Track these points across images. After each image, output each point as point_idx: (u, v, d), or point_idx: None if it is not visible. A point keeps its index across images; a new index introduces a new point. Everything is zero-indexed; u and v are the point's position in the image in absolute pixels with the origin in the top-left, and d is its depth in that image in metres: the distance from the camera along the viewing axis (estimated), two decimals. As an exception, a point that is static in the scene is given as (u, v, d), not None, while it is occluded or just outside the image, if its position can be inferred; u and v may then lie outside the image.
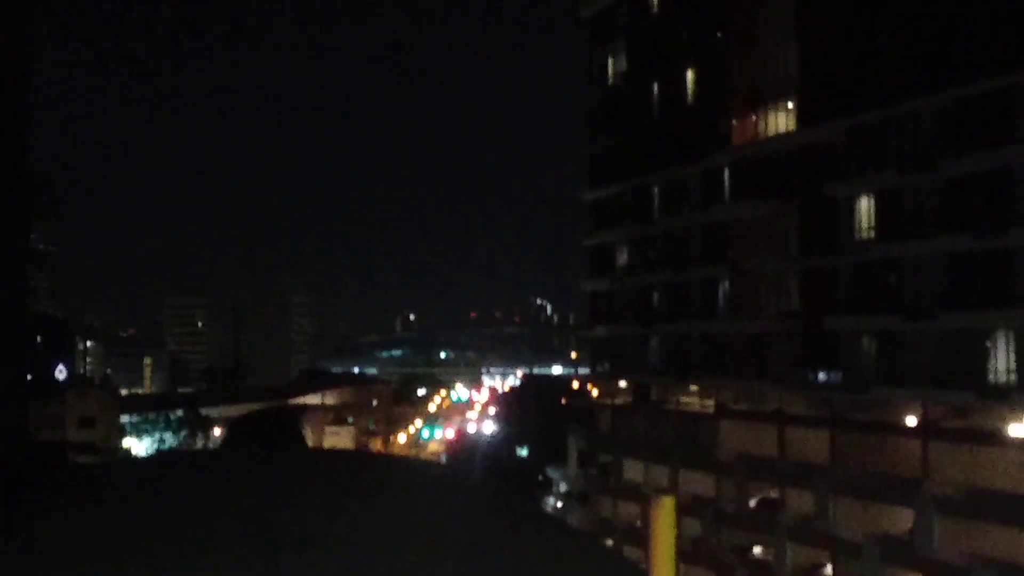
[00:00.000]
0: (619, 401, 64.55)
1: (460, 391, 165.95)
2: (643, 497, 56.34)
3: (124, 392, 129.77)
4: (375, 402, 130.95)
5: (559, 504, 69.13)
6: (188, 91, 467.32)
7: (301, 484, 7.22)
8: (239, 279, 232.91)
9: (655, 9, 59.48)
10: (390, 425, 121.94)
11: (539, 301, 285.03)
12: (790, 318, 49.30)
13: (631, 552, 51.65)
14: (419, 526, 6.57)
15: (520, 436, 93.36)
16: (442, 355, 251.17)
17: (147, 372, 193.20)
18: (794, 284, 49.57)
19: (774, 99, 50.44)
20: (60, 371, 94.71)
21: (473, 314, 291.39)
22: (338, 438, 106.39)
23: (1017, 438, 39.77)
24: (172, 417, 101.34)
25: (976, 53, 39.24)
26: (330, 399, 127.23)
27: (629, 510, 59.16)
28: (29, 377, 71.28)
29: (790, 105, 49.61)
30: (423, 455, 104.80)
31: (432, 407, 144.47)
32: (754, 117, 51.97)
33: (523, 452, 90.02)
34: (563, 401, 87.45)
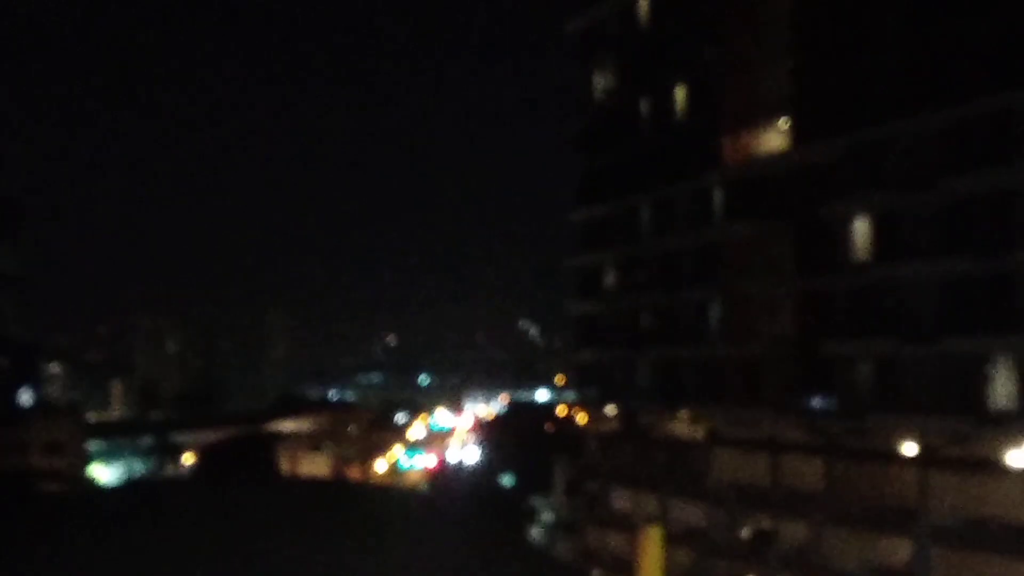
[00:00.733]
0: (606, 428, 63.24)
1: (441, 417, 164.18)
2: (631, 527, 55.11)
3: (92, 417, 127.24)
4: (353, 428, 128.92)
5: (545, 535, 67.85)
6: (159, 111, 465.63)
7: (276, 519, 6.42)
8: (212, 301, 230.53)
9: (644, 25, 58.56)
10: (368, 452, 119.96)
11: (523, 324, 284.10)
12: (784, 342, 48.23)
13: (619, 584, 50.38)
14: (400, 558, 5.74)
15: (504, 464, 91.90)
16: (423, 380, 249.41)
17: (116, 396, 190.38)
18: (788, 307, 48.50)
19: (767, 117, 49.53)
20: (26, 395, 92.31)
21: (455, 338, 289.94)
22: (314, 466, 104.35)
23: (1017, 466, 38.82)
24: (141, 443, 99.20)
25: (976, 72, 38.63)
26: (306, 425, 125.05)
27: (617, 540, 57.88)
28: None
29: (784, 124, 48.71)
30: (403, 484, 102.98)
31: (413, 434, 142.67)
32: (746, 136, 51.04)
33: (507, 481, 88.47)
34: (548, 428, 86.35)
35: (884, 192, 42.55)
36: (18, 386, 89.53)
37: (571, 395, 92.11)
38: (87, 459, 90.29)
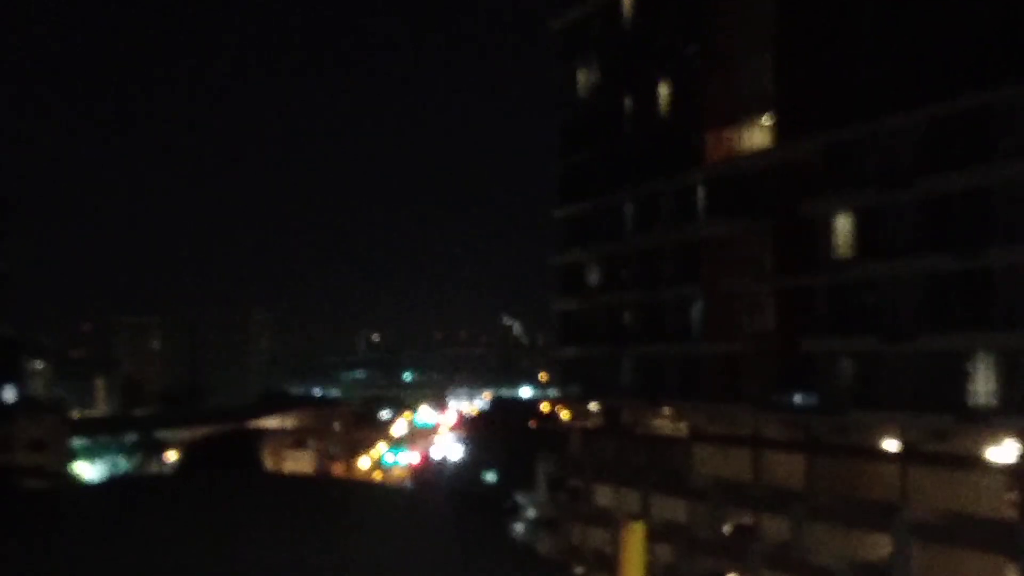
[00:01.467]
0: (589, 424, 63.32)
1: (425, 414, 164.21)
2: (614, 523, 55.19)
3: (76, 414, 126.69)
4: (337, 425, 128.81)
5: (528, 531, 67.84)
6: (142, 109, 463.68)
7: (259, 512, 6.48)
8: (196, 298, 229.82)
9: (628, 23, 58.64)
10: (352, 449, 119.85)
11: (507, 321, 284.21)
12: (765, 339, 48.42)
13: (602, 580, 50.46)
14: (383, 555, 5.77)
15: (487, 460, 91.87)
16: (406, 376, 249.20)
17: (99, 393, 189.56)
18: (769, 304, 48.69)
19: (749, 115, 49.70)
20: (9, 392, 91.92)
21: (438, 334, 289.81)
22: (298, 463, 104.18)
23: (996, 462, 39.08)
24: (125, 440, 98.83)
25: (955, 70, 38.76)
26: (290, 422, 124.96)
27: (599, 536, 57.94)
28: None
29: (766, 121, 48.87)
30: (387, 480, 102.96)
31: (396, 430, 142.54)
32: (729, 133, 51.19)
33: (490, 477, 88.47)
34: (532, 424, 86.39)
35: (864, 190, 42.73)
36: (1, 383, 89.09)
37: (554, 392, 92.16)
38: (71, 456, 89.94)
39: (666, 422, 57.36)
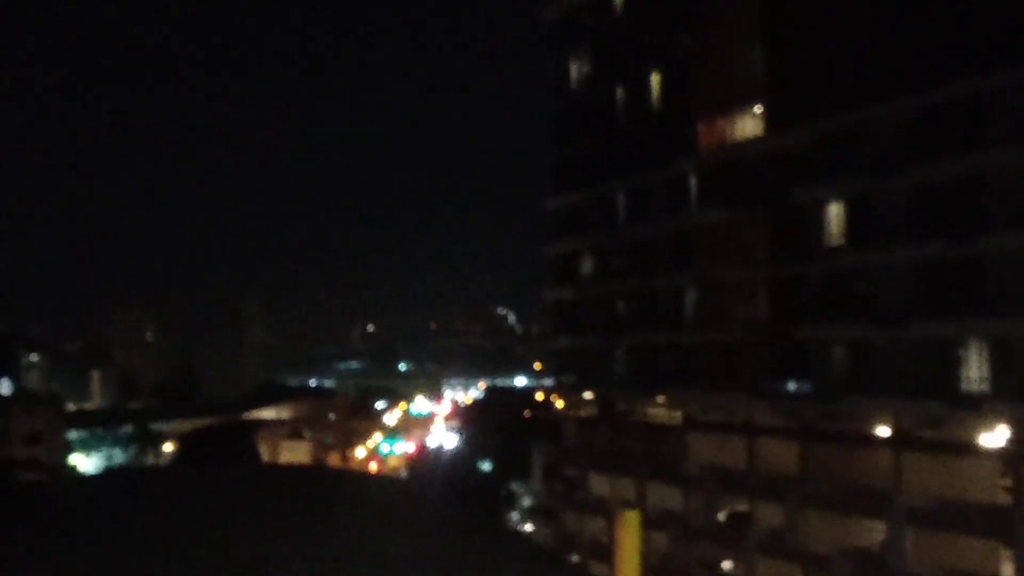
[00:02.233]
0: (584, 413, 63.43)
1: (420, 404, 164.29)
2: (609, 511, 55.35)
3: (71, 407, 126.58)
4: (332, 416, 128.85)
5: (523, 519, 68.04)
6: (133, 101, 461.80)
7: (257, 503, 6.51)
8: (190, 290, 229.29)
9: (619, 13, 58.52)
10: (348, 439, 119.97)
11: (501, 311, 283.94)
12: (759, 328, 48.49)
13: (597, 568, 50.64)
14: (379, 545, 5.79)
15: (483, 450, 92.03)
16: (402, 367, 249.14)
17: (95, 386, 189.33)
18: (763, 293, 48.75)
19: (741, 104, 49.66)
20: (4, 385, 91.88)
21: (433, 325, 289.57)
22: (294, 453, 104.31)
23: (989, 448, 39.26)
24: (121, 433, 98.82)
25: (946, 57, 38.77)
26: (286, 413, 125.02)
27: (595, 525, 58.10)
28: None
29: (757, 110, 48.86)
30: (383, 470, 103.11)
31: (392, 420, 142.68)
32: (721, 122, 51.15)
33: (486, 466, 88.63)
34: (527, 413, 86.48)
35: (857, 178, 42.74)
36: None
37: (549, 381, 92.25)
38: (67, 449, 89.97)
39: (660, 411, 57.48)
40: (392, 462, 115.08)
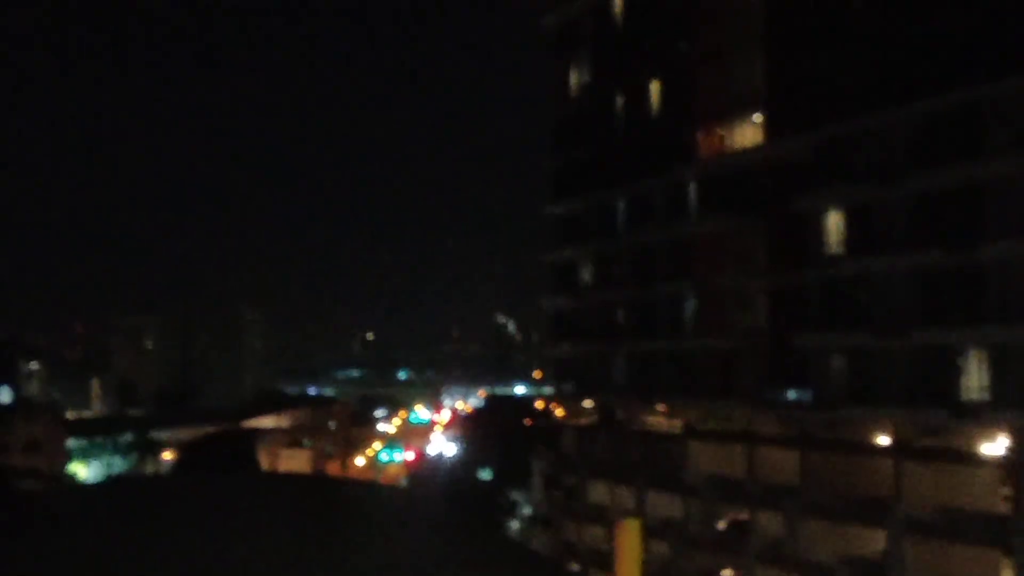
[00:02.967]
0: (584, 421, 63.33)
1: (420, 412, 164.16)
2: (609, 520, 55.29)
3: (71, 415, 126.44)
4: (332, 424, 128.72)
5: (523, 528, 67.90)
6: (133, 105, 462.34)
7: (257, 513, 6.49)
8: (189, 298, 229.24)
9: (619, 21, 58.58)
10: (348, 448, 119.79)
11: (501, 319, 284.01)
12: (758, 336, 48.46)
13: (597, 577, 50.52)
14: (379, 554, 5.77)
15: (482, 458, 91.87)
16: (401, 375, 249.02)
17: (95, 394, 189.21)
18: (762, 301, 48.74)
19: (741, 112, 49.71)
20: (4, 394, 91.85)
21: (433, 333, 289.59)
22: (294, 461, 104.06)
23: (989, 457, 39.20)
24: (121, 441, 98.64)
25: (945, 66, 38.83)
26: (285, 421, 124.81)
27: (595, 534, 58.01)
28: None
29: (757, 118, 48.89)
30: (383, 478, 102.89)
31: (391, 428, 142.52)
32: (720, 130, 51.20)
33: (485, 475, 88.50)
34: (526, 422, 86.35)
35: (856, 186, 42.78)
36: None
37: (548, 389, 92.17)
38: (67, 457, 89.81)
39: (660, 419, 57.42)
40: (392, 470, 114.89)
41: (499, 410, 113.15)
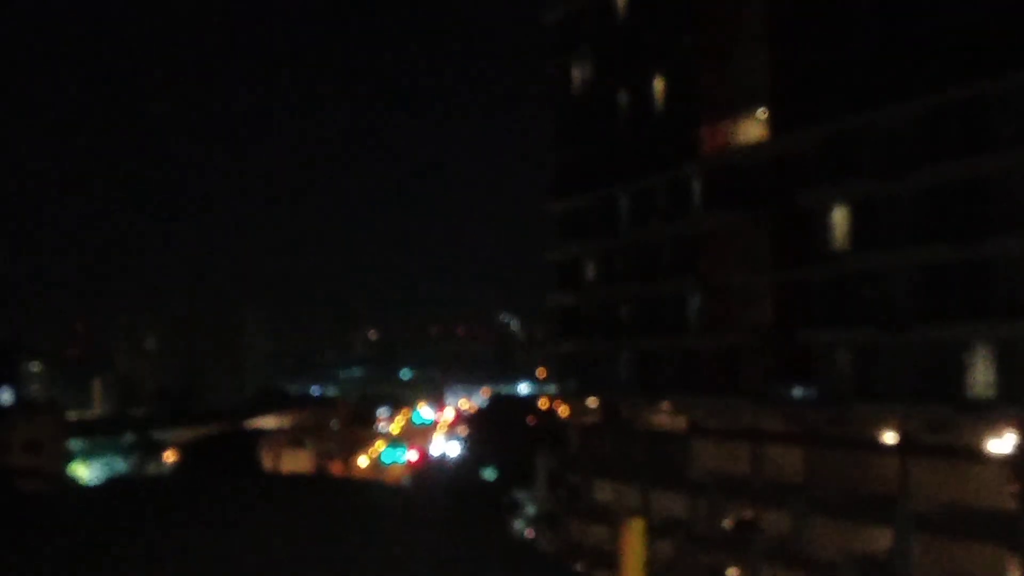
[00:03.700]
0: (588, 420, 63.14)
1: (423, 411, 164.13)
2: (613, 519, 55.09)
3: (72, 415, 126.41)
4: (334, 424, 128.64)
5: (527, 527, 67.78)
6: (137, 111, 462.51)
7: (259, 514, 6.35)
8: (190, 297, 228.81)
9: (621, 15, 58.34)
10: (351, 447, 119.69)
11: (504, 317, 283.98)
12: (763, 332, 48.24)
13: (602, 576, 50.35)
14: (382, 553, 5.66)
15: (486, 457, 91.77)
16: (404, 374, 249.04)
17: (96, 394, 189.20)
18: (767, 297, 48.52)
19: (744, 107, 49.46)
20: (5, 394, 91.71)
21: (435, 331, 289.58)
22: (296, 462, 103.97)
23: (996, 453, 38.97)
24: (122, 441, 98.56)
25: (951, 60, 38.62)
26: (287, 421, 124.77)
27: (599, 533, 57.82)
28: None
29: (761, 114, 48.64)
30: (386, 478, 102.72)
31: (395, 428, 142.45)
32: (724, 126, 50.93)
33: (489, 474, 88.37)
34: (530, 420, 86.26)
35: (861, 181, 42.57)
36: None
37: (552, 388, 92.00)
38: (68, 457, 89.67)
39: (665, 416, 57.20)
40: (395, 470, 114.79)
41: (503, 409, 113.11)
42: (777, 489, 47.12)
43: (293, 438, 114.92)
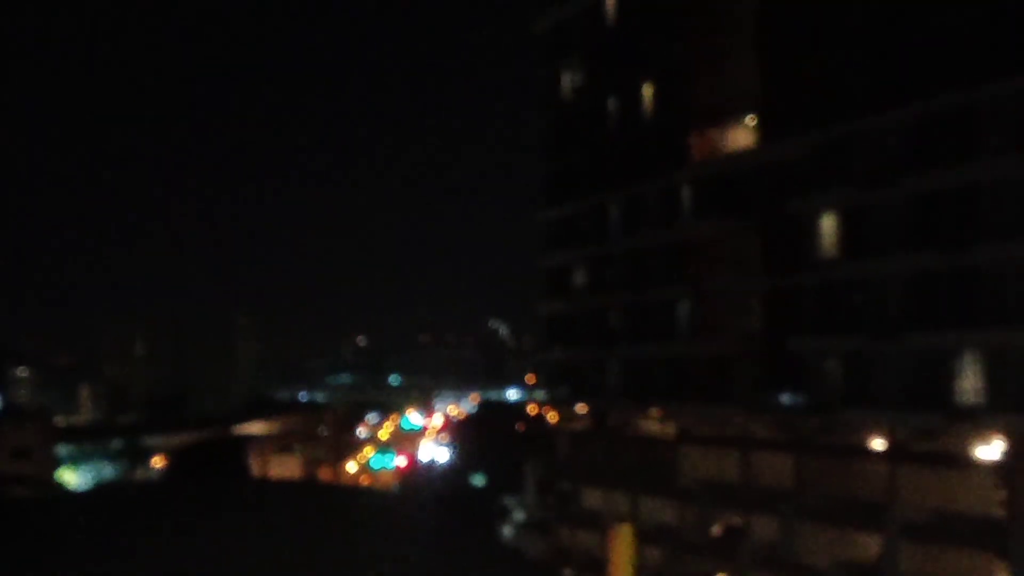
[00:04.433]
0: (577, 426, 63.17)
1: (412, 417, 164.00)
2: (603, 525, 55.11)
3: (60, 421, 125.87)
4: (323, 430, 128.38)
5: (516, 534, 67.66)
6: (128, 113, 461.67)
7: (248, 519, 6.33)
8: (179, 303, 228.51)
9: (611, 23, 58.52)
10: (339, 453, 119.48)
11: (493, 324, 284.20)
12: (753, 339, 48.36)
13: (591, 583, 50.31)
14: (370, 559, 5.64)
15: (475, 464, 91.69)
16: (393, 380, 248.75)
17: (84, 400, 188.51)
18: (757, 304, 48.64)
19: (734, 115, 49.67)
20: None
21: (424, 338, 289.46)
22: (285, 467, 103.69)
23: (985, 460, 39.11)
24: (111, 447, 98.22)
25: (940, 67, 38.82)
26: (276, 427, 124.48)
27: (589, 539, 57.79)
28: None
29: (751, 121, 48.82)
30: (374, 484, 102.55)
31: (383, 434, 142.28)
32: (714, 133, 51.15)
33: (478, 480, 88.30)
34: (519, 427, 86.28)
35: (850, 188, 42.73)
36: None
37: (542, 394, 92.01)
38: (56, 463, 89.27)
39: (654, 423, 57.26)
40: (384, 476, 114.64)
41: (492, 415, 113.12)
42: (766, 496, 47.18)
43: (282, 444, 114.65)
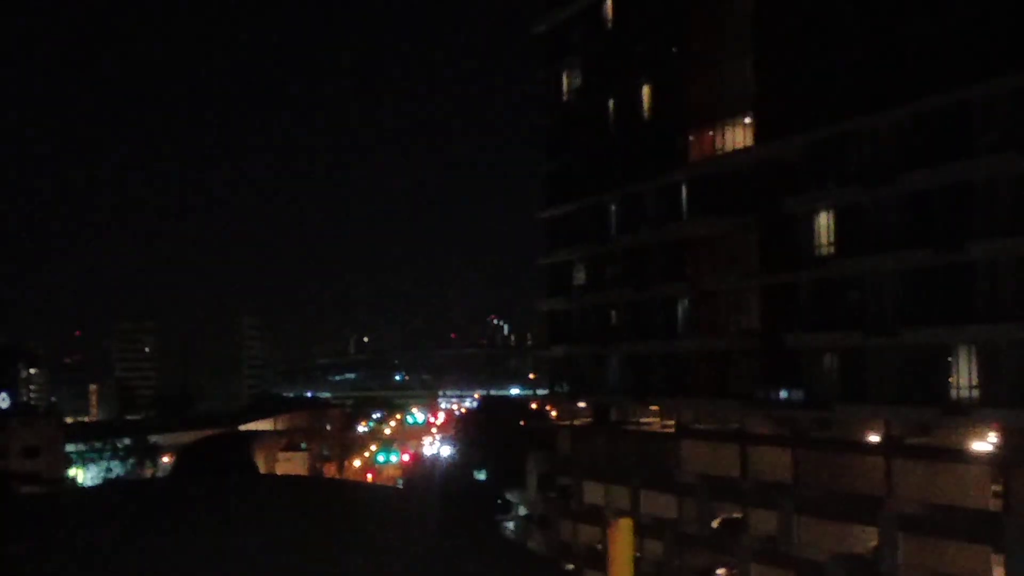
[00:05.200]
0: (579, 422, 63.67)
1: (416, 414, 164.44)
2: (603, 519, 55.58)
3: (70, 420, 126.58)
4: (329, 427, 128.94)
5: (518, 528, 68.09)
6: (136, 120, 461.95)
7: (254, 515, 6.59)
8: (187, 303, 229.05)
9: (609, 25, 58.98)
10: (344, 450, 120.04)
11: (496, 321, 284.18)
12: (751, 336, 48.82)
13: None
14: (375, 553, 5.92)
15: (478, 459, 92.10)
16: (397, 378, 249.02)
17: (94, 399, 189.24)
18: (754, 301, 49.10)
19: (731, 115, 50.06)
20: (3, 399, 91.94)
21: (428, 336, 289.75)
22: (291, 464, 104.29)
23: (980, 454, 39.56)
24: (120, 445, 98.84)
25: (933, 67, 39.18)
26: (282, 424, 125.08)
27: (590, 533, 58.29)
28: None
29: (747, 121, 49.25)
30: (379, 480, 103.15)
31: (388, 430, 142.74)
32: (711, 133, 51.57)
33: (481, 475, 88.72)
34: (522, 423, 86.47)
35: (846, 187, 43.12)
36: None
37: (543, 391, 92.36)
38: (66, 462, 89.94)
39: (654, 419, 57.76)
40: (388, 471, 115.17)
41: (494, 411, 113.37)
42: (764, 490, 47.60)
43: (288, 441, 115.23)
